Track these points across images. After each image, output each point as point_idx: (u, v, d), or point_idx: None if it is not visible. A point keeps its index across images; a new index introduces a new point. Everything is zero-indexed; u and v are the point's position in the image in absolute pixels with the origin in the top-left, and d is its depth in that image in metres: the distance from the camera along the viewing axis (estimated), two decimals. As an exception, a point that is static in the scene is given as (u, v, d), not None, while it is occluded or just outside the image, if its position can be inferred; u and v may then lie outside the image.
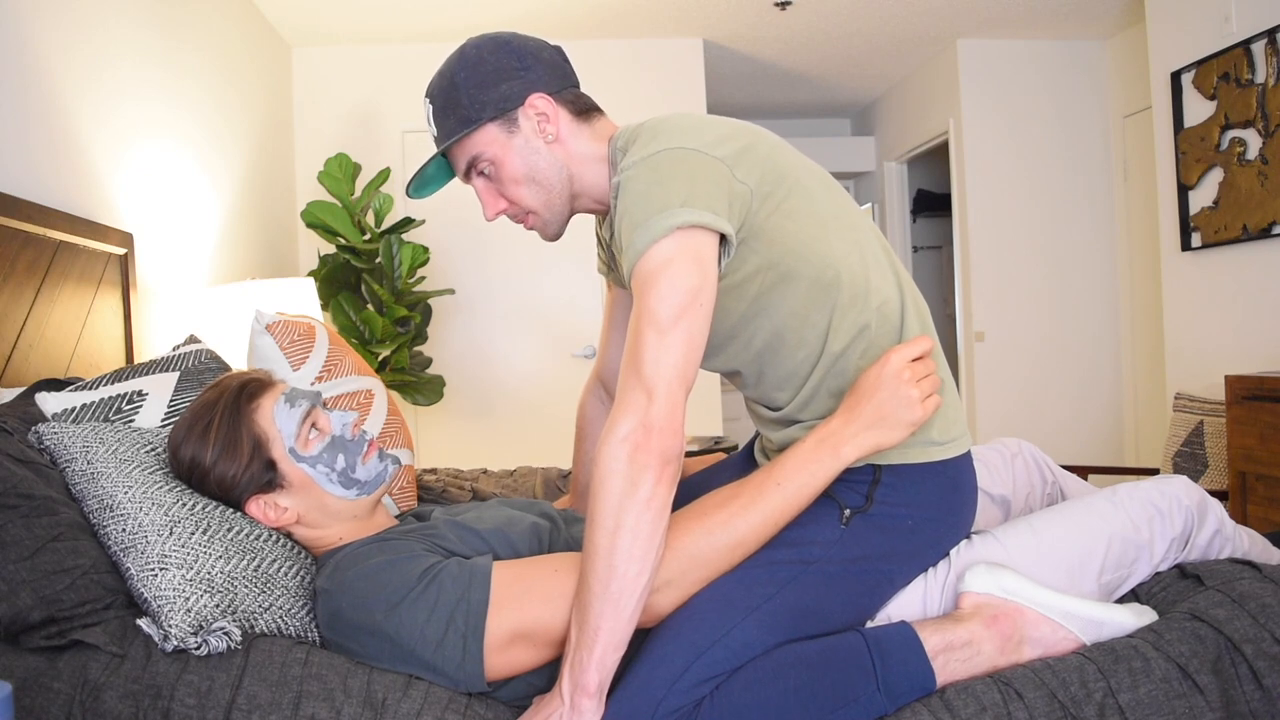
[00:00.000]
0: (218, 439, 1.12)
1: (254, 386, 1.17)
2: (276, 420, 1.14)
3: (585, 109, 1.20)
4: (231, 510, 1.14)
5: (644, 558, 0.96)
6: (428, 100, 1.19)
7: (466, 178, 1.21)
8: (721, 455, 1.51)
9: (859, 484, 1.10)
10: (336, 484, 1.15)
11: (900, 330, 1.13)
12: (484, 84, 1.14)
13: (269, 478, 1.13)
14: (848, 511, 1.08)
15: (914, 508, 1.10)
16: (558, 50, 1.21)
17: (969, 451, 1.17)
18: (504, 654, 1.01)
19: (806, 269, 1.09)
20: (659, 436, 0.95)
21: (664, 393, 0.96)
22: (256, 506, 1.14)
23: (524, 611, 1.02)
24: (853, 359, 1.11)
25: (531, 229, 1.24)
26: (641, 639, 1.04)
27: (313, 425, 1.16)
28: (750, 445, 1.38)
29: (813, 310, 1.10)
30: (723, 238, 1.05)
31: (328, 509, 1.15)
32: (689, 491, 1.16)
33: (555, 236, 1.25)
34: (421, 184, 1.24)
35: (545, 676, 1.05)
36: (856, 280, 1.10)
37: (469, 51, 1.16)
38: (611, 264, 1.37)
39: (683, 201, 1.00)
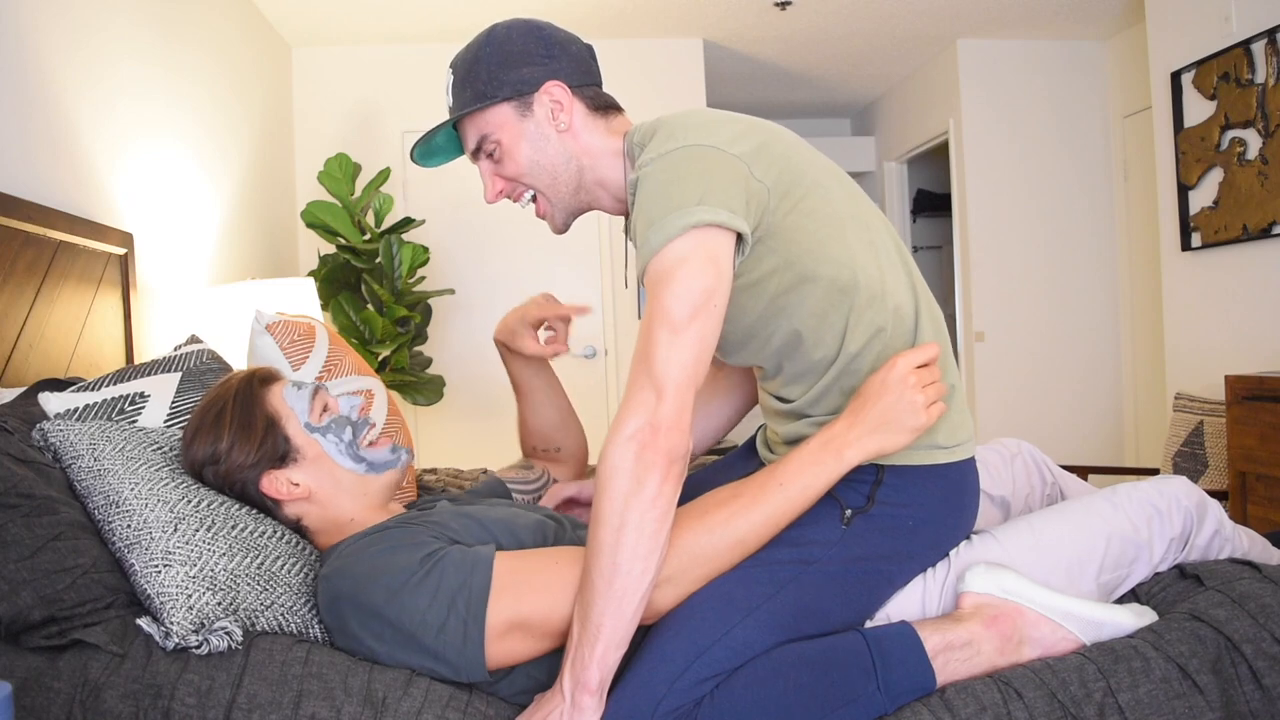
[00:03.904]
0: (232, 423, 1.15)
1: (265, 373, 1.22)
2: (288, 400, 1.19)
3: (604, 105, 1.21)
4: (237, 507, 1.15)
5: (648, 556, 0.96)
6: (450, 69, 1.19)
7: (474, 156, 1.21)
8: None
9: (861, 484, 1.10)
10: (345, 456, 1.18)
11: (914, 332, 1.13)
12: (506, 64, 1.15)
13: (284, 451, 1.16)
14: (849, 511, 1.08)
15: (915, 508, 1.10)
16: (588, 48, 1.22)
17: (973, 456, 1.17)
18: (501, 642, 1.01)
19: (824, 270, 1.09)
20: (666, 435, 0.95)
21: (673, 392, 0.96)
22: (269, 481, 1.15)
23: (522, 601, 1.02)
24: (867, 359, 1.11)
25: (541, 215, 1.24)
26: (641, 637, 1.04)
27: (324, 406, 1.21)
28: (752, 439, 1.38)
29: (831, 311, 1.10)
30: (739, 237, 1.04)
31: (340, 483, 1.17)
32: (690, 488, 1.16)
33: (562, 226, 1.25)
34: (429, 153, 1.25)
35: (546, 669, 1.05)
36: (873, 282, 1.10)
37: (498, 31, 1.18)
38: None
39: (699, 200, 1.00)
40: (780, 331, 1.12)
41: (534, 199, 1.22)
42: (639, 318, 4.25)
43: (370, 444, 1.22)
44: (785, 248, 1.08)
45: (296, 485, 1.16)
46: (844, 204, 1.13)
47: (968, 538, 1.17)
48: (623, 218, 1.28)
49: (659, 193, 1.02)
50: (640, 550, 0.95)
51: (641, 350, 0.99)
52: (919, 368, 1.06)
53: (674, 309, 0.98)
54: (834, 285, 1.09)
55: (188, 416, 1.29)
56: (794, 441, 1.18)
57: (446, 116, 1.21)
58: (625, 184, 1.19)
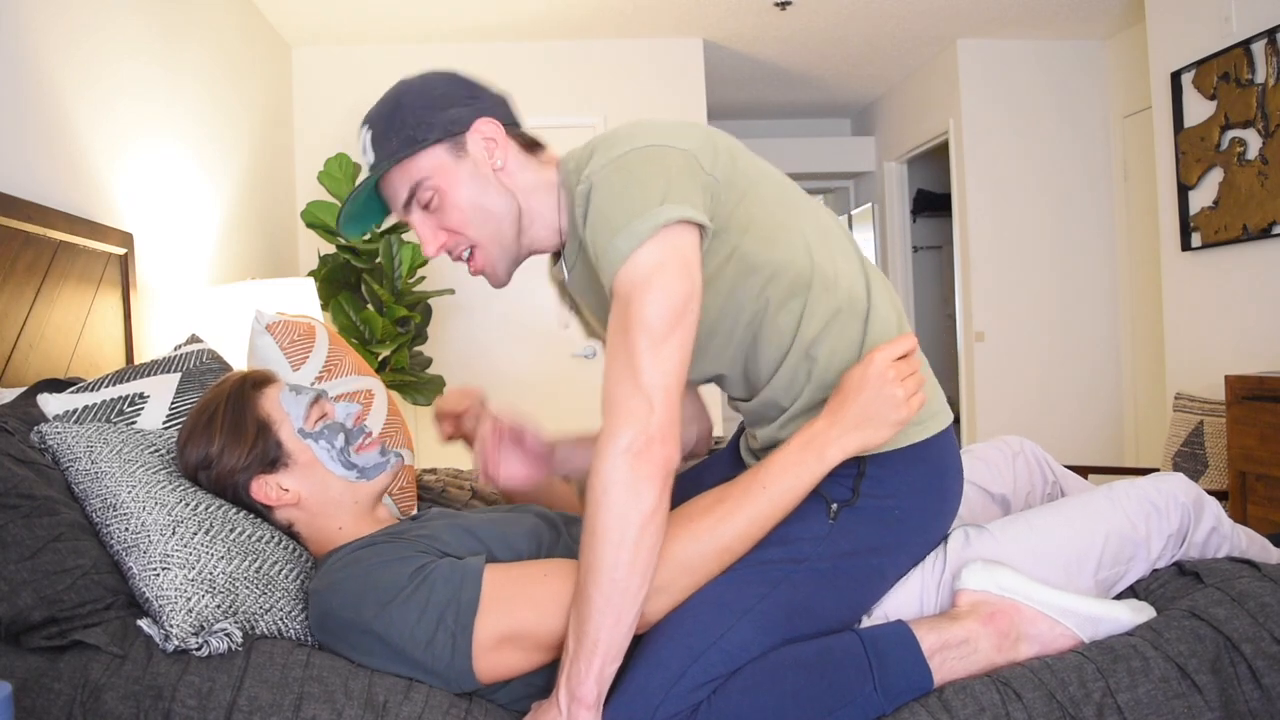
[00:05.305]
0: (223, 427, 1.14)
1: (257, 377, 1.21)
2: (284, 405, 1.18)
3: (531, 144, 1.17)
4: (234, 510, 1.15)
5: (646, 570, 0.96)
6: (365, 127, 1.11)
7: (406, 210, 1.13)
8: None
9: (844, 477, 1.09)
10: (337, 463, 1.17)
11: (867, 314, 1.12)
12: (432, 106, 1.10)
13: (274, 456, 1.15)
14: (834, 506, 1.08)
15: (900, 496, 1.10)
16: (506, 93, 1.18)
17: (949, 429, 1.17)
18: (493, 655, 1.01)
19: (777, 258, 1.09)
20: (660, 446, 0.95)
21: (663, 402, 0.96)
22: (259, 485, 1.15)
23: (512, 615, 1.02)
24: (826, 343, 1.10)
25: (478, 272, 1.16)
26: (637, 643, 1.04)
27: (322, 413, 1.20)
28: (735, 441, 1.37)
29: (789, 299, 1.10)
30: (702, 230, 1.03)
31: (329, 491, 1.16)
32: (676, 492, 1.15)
33: (504, 279, 1.18)
34: (352, 219, 1.16)
35: (545, 677, 1.05)
36: (825, 268, 1.11)
37: (414, 79, 1.13)
38: (575, 309, 1.32)
39: (662, 199, 0.99)
40: (740, 326, 1.12)
41: (470, 255, 1.14)
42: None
43: (358, 448, 1.20)
44: (737, 239, 1.07)
45: (286, 491, 1.15)
46: (791, 195, 1.14)
47: (965, 534, 1.17)
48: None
49: (619, 196, 1.00)
50: (639, 565, 0.95)
51: (624, 362, 0.97)
52: (898, 360, 1.06)
53: (655, 319, 0.97)
54: (787, 273, 1.09)
55: (187, 417, 1.29)
56: (771, 445, 1.17)
57: (365, 176, 1.12)
58: (560, 215, 1.15)
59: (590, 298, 1.19)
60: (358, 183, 1.10)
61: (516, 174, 1.13)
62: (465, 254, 1.15)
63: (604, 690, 0.97)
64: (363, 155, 1.13)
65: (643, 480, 0.94)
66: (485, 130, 1.11)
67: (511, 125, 1.15)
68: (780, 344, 1.11)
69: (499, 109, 1.15)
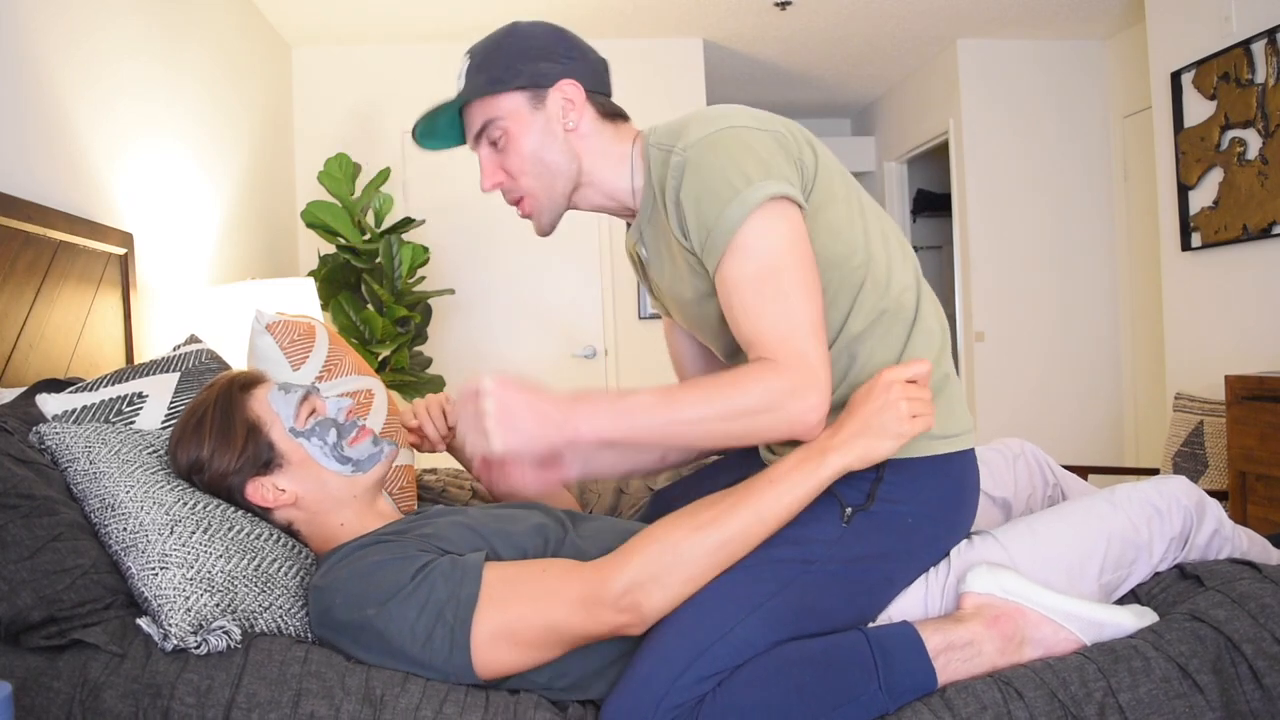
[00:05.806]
0: (212, 431, 1.14)
1: (245, 378, 1.21)
2: (273, 405, 1.17)
3: (613, 113, 1.21)
4: (233, 509, 1.15)
5: (705, 444, 1.08)
6: (467, 55, 1.19)
7: (475, 143, 1.20)
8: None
9: (862, 481, 1.10)
10: (331, 458, 1.16)
11: (914, 318, 1.14)
12: (525, 55, 1.15)
13: (267, 458, 1.14)
14: (849, 510, 1.08)
15: (915, 504, 1.10)
16: (604, 60, 1.23)
17: (973, 450, 1.17)
18: (490, 652, 1.01)
19: (839, 252, 1.11)
20: (816, 415, 1.04)
21: (826, 379, 1.04)
22: (254, 488, 1.14)
23: (509, 611, 1.01)
24: (867, 343, 1.12)
25: (525, 216, 1.23)
26: (639, 641, 1.04)
27: (311, 410, 1.20)
28: None
29: (840, 295, 1.12)
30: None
31: (327, 487, 1.16)
32: (690, 487, 1.15)
33: (547, 228, 1.24)
34: (430, 133, 1.23)
35: (544, 674, 1.05)
36: (880, 268, 1.13)
37: (523, 25, 1.19)
38: (647, 281, 1.35)
39: (766, 173, 1.04)
40: None
41: (520, 200, 1.21)
42: (640, 317, 4.26)
43: (351, 441, 1.20)
44: (808, 223, 1.10)
45: (283, 491, 1.15)
46: (858, 192, 1.17)
47: (968, 538, 1.17)
48: (624, 222, 1.26)
49: (723, 169, 1.04)
50: (712, 437, 1.07)
51: (783, 333, 1.03)
52: (908, 383, 1.07)
53: (803, 299, 1.03)
54: (844, 266, 1.11)
55: (177, 421, 1.28)
56: (794, 441, 1.18)
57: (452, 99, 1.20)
58: (628, 186, 1.20)
59: (659, 264, 1.23)
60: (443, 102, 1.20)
61: (588, 138, 1.18)
62: (516, 198, 1.22)
63: (598, 436, 1.03)
64: (456, 80, 1.19)
65: (785, 421, 1.03)
66: (567, 91, 1.16)
67: (598, 93, 1.19)
68: (827, 339, 1.13)
69: (591, 74, 1.19)
